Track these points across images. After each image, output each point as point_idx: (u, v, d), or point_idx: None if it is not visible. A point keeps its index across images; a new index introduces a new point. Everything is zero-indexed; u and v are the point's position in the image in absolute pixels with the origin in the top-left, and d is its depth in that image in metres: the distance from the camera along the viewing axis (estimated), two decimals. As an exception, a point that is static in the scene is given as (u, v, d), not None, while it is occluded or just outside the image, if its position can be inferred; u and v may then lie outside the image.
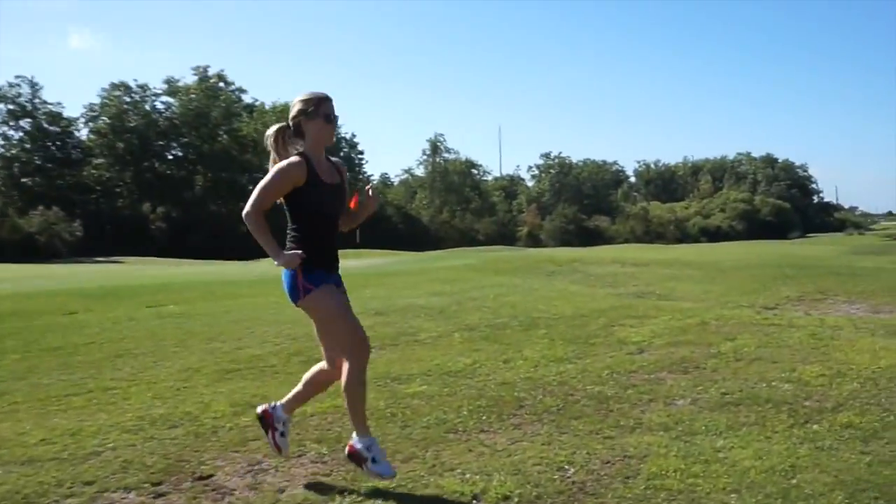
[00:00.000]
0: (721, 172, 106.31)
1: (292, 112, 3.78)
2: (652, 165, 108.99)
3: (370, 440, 3.70)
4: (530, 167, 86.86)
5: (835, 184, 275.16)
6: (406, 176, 79.45)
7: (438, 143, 75.87)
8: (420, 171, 77.50)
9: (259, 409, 4.10)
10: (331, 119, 3.75)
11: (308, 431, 4.63)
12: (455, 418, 4.86)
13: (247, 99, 64.40)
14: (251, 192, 3.64)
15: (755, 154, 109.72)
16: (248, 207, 3.62)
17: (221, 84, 62.47)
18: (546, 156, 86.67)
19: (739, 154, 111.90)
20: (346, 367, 3.68)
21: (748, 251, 28.02)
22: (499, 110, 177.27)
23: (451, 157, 75.43)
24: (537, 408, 5.07)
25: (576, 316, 9.04)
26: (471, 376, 6.03)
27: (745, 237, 67.84)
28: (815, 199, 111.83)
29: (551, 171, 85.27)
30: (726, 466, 3.88)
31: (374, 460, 3.64)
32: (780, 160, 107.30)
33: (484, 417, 4.87)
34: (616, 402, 5.18)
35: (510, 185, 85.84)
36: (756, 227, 76.93)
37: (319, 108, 3.72)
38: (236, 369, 6.51)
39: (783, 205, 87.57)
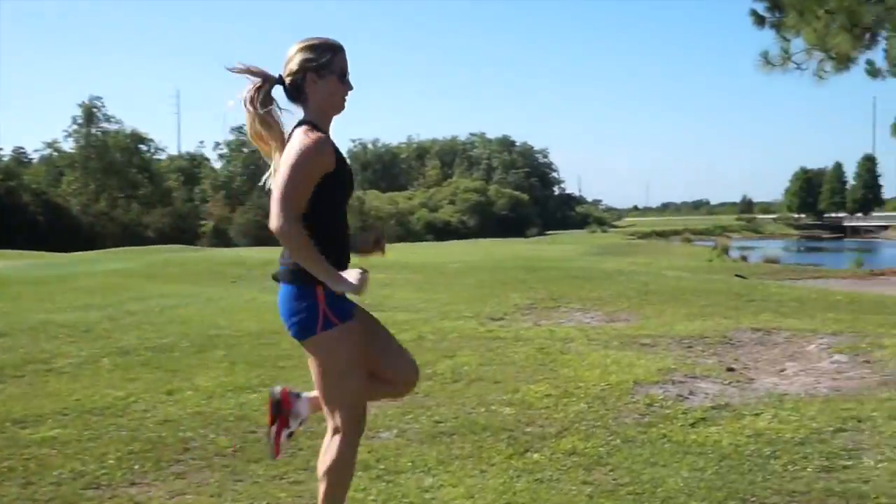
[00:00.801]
0: (451, 156, 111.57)
1: (291, 65, 3.34)
2: (370, 146, 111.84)
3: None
4: (218, 144, 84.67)
5: (578, 173, 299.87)
6: (49, 151, 74.67)
7: (95, 110, 71.97)
8: (69, 146, 73.14)
9: (279, 390, 3.66)
10: (346, 77, 3.38)
11: None
12: (97, 469, 4.74)
13: None
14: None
15: (490, 136, 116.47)
16: (279, 219, 3.11)
17: None
18: (238, 130, 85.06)
19: (472, 135, 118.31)
20: (335, 441, 3.35)
21: (478, 251, 29.76)
22: (177, 70, 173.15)
23: (113, 127, 72.11)
24: (207, 450, 5.07)
25: (264, 333, 9.10)
26: (122, 414, 5.90)
27: (478, 234, 71.77)
28: (557, 189, 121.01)
29: (244, 149, 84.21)
30: (433, 509, 4.12)
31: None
32: (517, 144, 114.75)
33: (136, 466, 4.80)
34: (307, 438, 5.28)
35: (191, 167, 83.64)
36: (490, 222, 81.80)
37: (334, 62, 3.33)
38: None
39: (521, 196, 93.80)
